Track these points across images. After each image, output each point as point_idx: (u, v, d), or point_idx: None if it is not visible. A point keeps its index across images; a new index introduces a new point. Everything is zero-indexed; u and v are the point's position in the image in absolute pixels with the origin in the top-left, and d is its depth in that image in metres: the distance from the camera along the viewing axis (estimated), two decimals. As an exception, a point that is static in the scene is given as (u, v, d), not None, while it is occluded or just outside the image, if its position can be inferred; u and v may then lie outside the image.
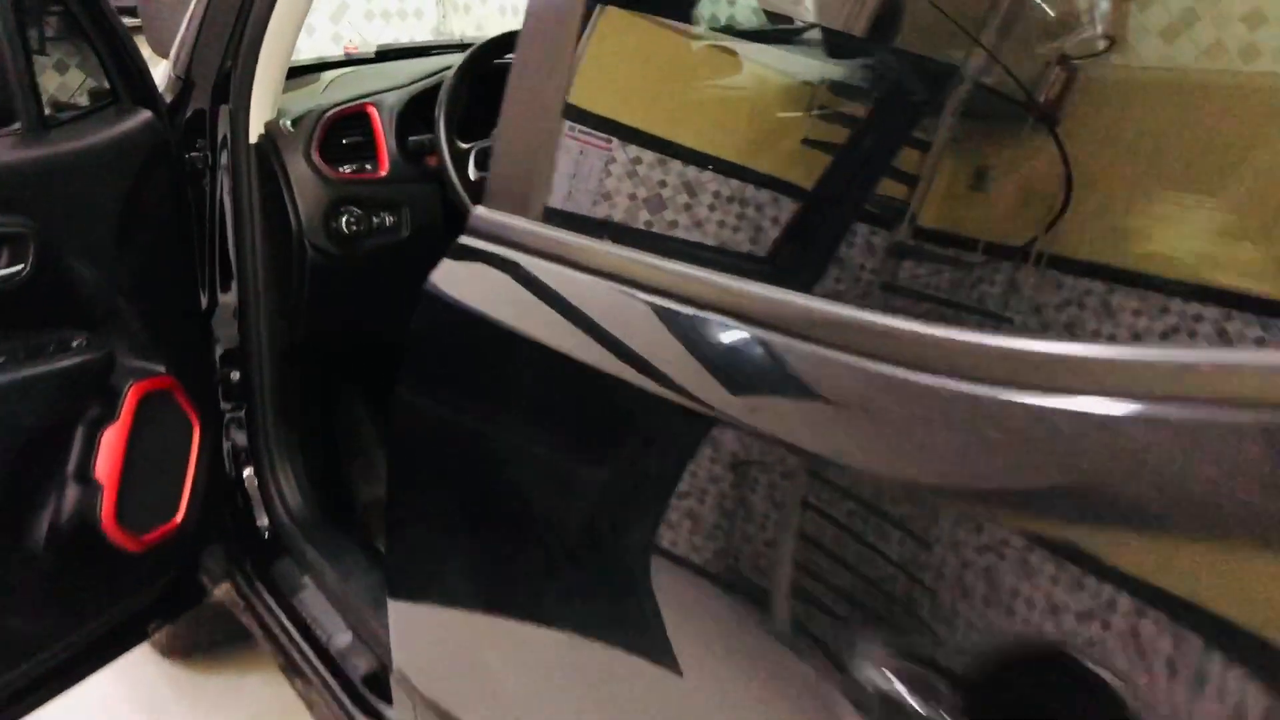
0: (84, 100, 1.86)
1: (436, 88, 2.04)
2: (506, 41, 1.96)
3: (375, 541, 2.19)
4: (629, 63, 1.06)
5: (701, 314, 0.84)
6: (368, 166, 1.97)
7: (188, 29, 1.96)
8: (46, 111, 1.71)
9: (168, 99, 1.96)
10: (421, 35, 5.00)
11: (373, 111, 1.98)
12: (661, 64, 1.07)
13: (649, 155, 0.99)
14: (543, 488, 1.03)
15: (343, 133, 1.97)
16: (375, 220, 1.95)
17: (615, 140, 1.00)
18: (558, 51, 1.02)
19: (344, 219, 1.92)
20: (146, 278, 1.82)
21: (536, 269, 1.00)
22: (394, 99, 2.00)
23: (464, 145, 1.87)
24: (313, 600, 1.92)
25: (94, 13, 1.70)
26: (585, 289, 0.95)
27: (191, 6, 1.95)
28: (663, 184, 0.97)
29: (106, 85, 1.80)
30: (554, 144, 1.01)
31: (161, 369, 1.82)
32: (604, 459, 0.95)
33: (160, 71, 2.03)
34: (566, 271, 0.97)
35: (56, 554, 1.69)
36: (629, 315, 0.91)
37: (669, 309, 0.87)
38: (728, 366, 0.81)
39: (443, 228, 2.02)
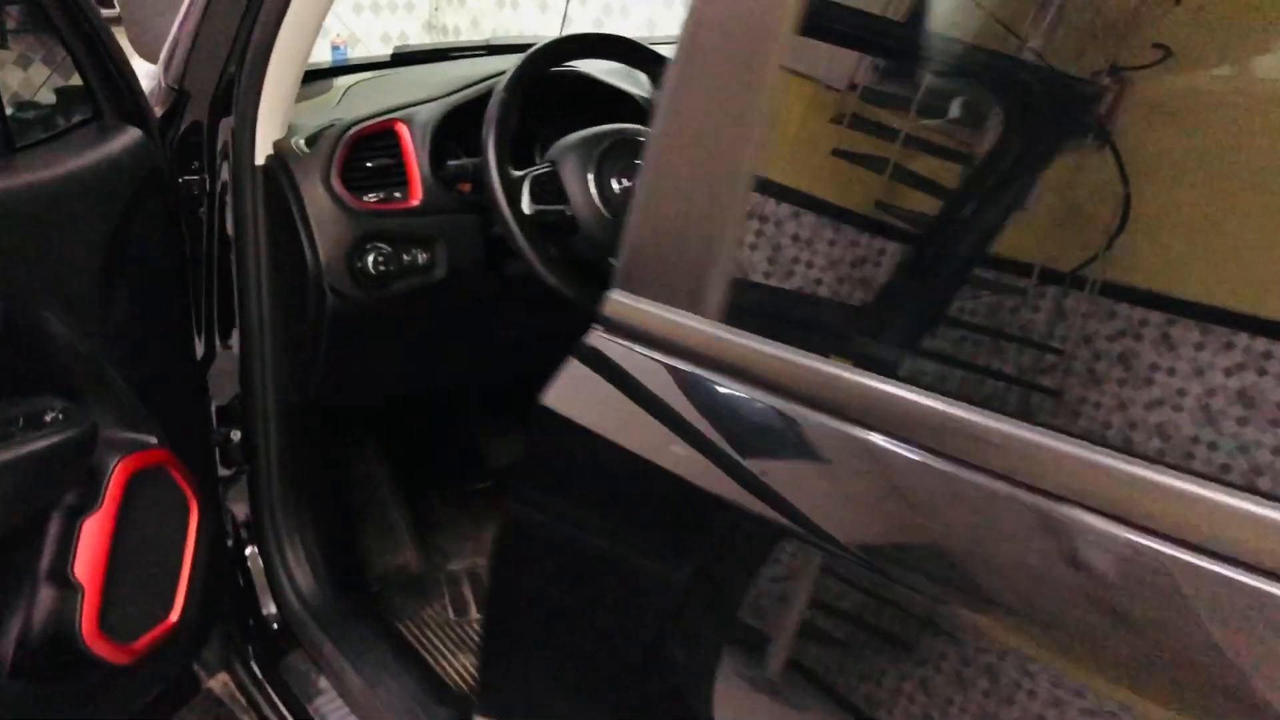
0: (49, 98, 1.55)
1: (475, 101, 1.74)
2: (564, 47, 1.66)
3: (396, 623, 1.91)
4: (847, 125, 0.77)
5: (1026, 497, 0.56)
6: (397, 194, 1.67)
7: (181, 28, 1.65)
8: (9, 111, 1.40)
9: (157, 112, 1.64)
10: (413, 28, 4.68)
11: (402, 129, 1.68)
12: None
13: (893, 248, 0.70)
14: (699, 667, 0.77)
15: (366, 154, 1.66)
16: (406, 258, 1.65)
17: (840, 225, 0.72)
18: (742, 104, 0.73)
19: (370, 257, 1.61)
20: (136, 331, 1.51)
21: (718, 389, 0.72)
22: (426, 114, 1.70)
23: (517, 173, 1.58)
24: (332, 710, 1.62)
25: (71, 11, 1.39)
26: (808, 428, 0.67)
27: (187, 2, 1.64)
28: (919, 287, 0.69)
29: (74, 82, 1.49)
30: (743, 225, 0.73)
31: (153, 439, 1.51)
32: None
33: (141, 73, 1.71)
34: (769, 398, 0.69)
35: (26, 675, 1.38)
36: (872, 472, 0.63)
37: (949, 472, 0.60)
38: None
39: (484, 268, 1.72)
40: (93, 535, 1.41)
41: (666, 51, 1.77)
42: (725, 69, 0.73)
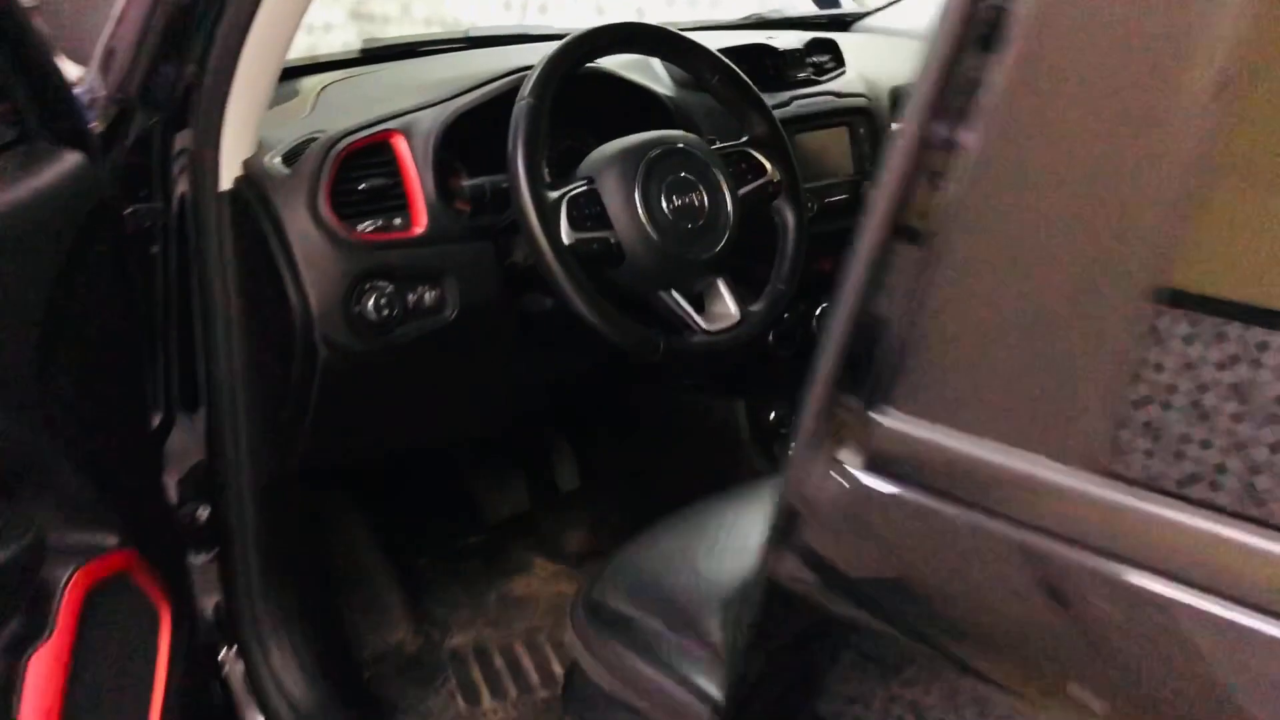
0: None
1: (482, 107, 1.46)
2: (598, 40, 1.38)
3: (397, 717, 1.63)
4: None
5: None
6: (396, 221, 1.38)
7: (123, 21, 1.34)
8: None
9: (96, 127, 1.33)
10: (338, 16, 4.32)
11: (398, 142, 1.39)
12: None
13: None
14: None
15: (357, 173, 1.37)
16: (411, 298, 1.37)
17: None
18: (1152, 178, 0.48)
19: (370, 300, 1.32)
20: (84, 405, 1.20)
21: (1121, 580, 0.47)
22: (427, 124, 1.41)
23: (553, 194, 1.30)
24: None
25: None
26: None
27: (128, -11, 1.33)
28: None
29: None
30: (1145, 346, 0.48)
31: (113, 539, 1.21)
32: None
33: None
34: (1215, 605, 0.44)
35: None
36: None
37: None
38: None
39: (500, 304, 1.45)
40: (42, 673, 1.11)
41: (706, 40, 1.51)
42: (1119, 116, 0.47)
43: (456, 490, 2.02)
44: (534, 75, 1.31)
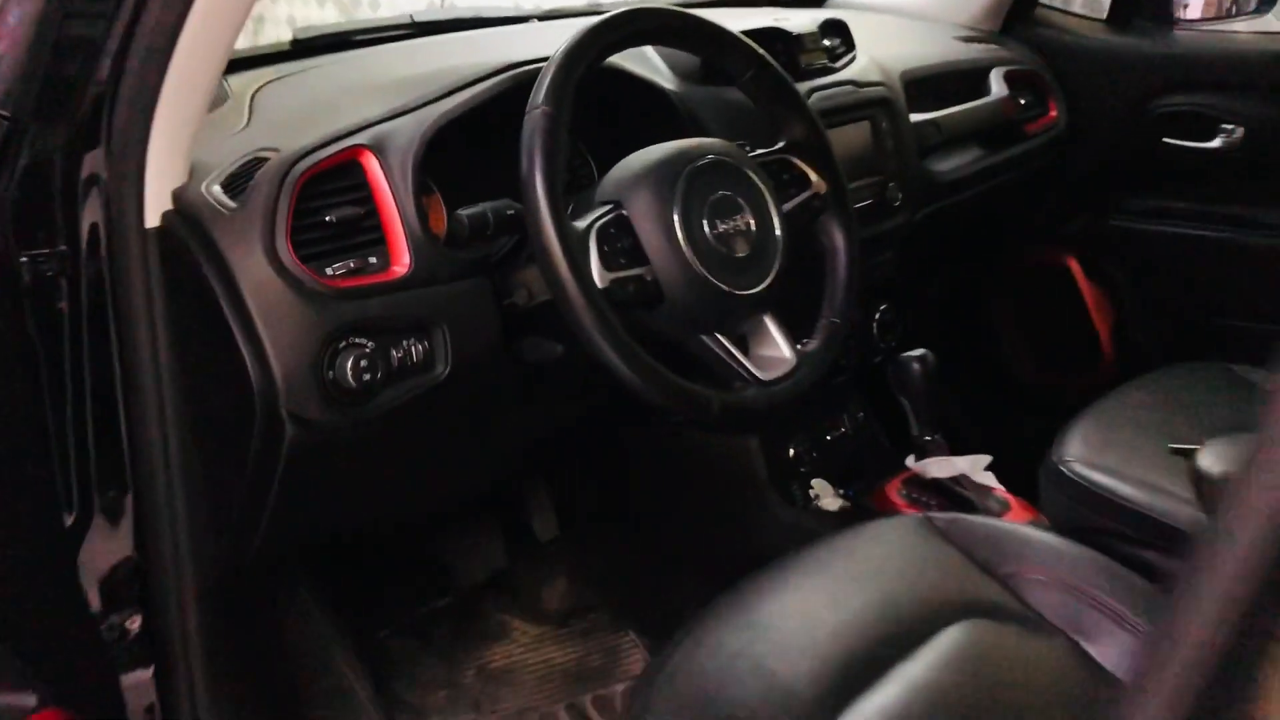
0: None
1: (468, 114, 1.19)
2: (621, 30, 1.12)
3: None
4: None
5: None
6: (372, 260, 1.11)
7: (7, 13, 1.03)
8: None
9: (-25, 153, 1.03)
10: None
11: (369, 161, 1.11)
12: None
13: None
14: None
15: (319, 201, 1.09)
16: (395, 355, 1.10)
17: None
18: None
19: (348, 361, 1.05)
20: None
21: None
22: (404, 136, 1.13)
23: (579, 225, 1.05)
24: None
25: None
26: None
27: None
28: None
29: None
30: None
31: (31, 698, 0.93)
32: None
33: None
34: None
35: None
36: None
37: None
38: None
39: (498, 354, 1.19)
40: None
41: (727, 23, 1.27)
42: None
43: (421, 550, 1.75)
44: (547, 78, 1.05)
